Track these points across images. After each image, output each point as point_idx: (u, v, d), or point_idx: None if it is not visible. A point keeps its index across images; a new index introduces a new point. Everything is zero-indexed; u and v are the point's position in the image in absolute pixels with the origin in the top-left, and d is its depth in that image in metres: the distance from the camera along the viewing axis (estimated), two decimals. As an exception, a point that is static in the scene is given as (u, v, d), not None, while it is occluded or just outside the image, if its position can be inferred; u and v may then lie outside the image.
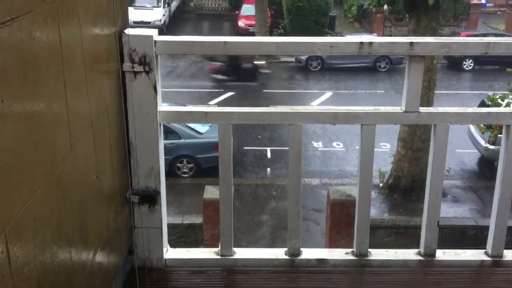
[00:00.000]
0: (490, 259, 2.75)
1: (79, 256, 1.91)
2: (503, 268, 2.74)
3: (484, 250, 2.79)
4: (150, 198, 2.57)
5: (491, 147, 11.18)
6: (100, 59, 2.17)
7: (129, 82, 2.40)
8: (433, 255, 2.74)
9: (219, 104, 15.84)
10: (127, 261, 2.58)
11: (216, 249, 2.76)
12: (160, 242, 2.65)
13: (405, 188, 11.59)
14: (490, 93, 12.13)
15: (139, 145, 2.49)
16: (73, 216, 1.86)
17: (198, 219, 9.46)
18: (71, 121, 1.77)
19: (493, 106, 10.32)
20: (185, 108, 2.86)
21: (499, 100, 10.59)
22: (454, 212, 10.89)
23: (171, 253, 2.74)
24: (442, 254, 2.77)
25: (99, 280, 2.14)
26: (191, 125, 12.18)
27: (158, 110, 2.48)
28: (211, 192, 8.68)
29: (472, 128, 12.72)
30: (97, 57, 2.12)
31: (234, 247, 2.75)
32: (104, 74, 2.24)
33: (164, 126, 2.63)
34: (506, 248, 2.77)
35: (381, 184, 11.83)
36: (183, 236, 9.25)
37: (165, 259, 2.69)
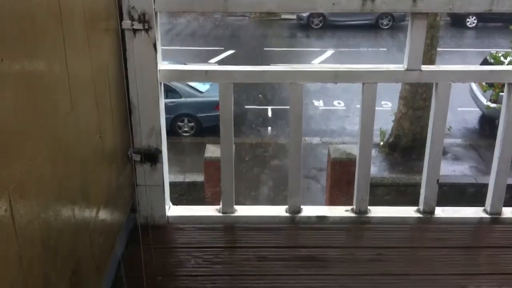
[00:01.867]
0: (489, 216, 2.78)
1: (82, 214, 1.94)
2: (502, 225, 2.77)
3: (483, 208, 2.82)
4: (151, 157, 2.58)
5: (492, 105, 11.15)
6: (99, 18, 2.15)
7: (129, 40, 2.38)
8: (432, 212, 2.78)
9: (220, 62, 15.72)
10: (130, 219, 2.62)
11: (217, 207, 2.79)
12: (162, 199, 2.68)
13: (406, 146, 11.61)
14: (493, 51, 12.01)
15: (139, 104, 2.49)
16: (76, 175, 1.87)
17: (199, 178, 9.52)
18: (71, 81, 1.77)
19: (495, 64, 10.24)
20: (185, 66, 2.85)
21: (502, 58, 10.50)
22: (454, 170, 10.94)
23: (173, 211, 2.78)
24: (441, 212, 2.80)
25: (103, 237, 2.17)
26: (192, 84, 12.13)
27: (158, 68, 2.47)
28: (212, 151, 8.71)
29: (474, 86, 12.65)
30: (96, 16, 2.09)
31: (235, 205, 2.79)
32: (103, 32, 2.22)
33: (164, 84, 2.62)
34: (504, 206, 2.80)
35: (381, 143, 11.86)
36: (185, 194, 9.33)
37: (167, 216, 2.73)
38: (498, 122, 2.69)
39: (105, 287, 2.19)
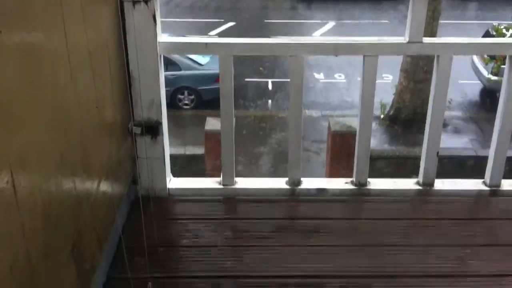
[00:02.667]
0: (488, 188, 2.80)
1: (83, 185, 1.95)
2: (501, 197, 2.79)
3: (482, 180, 2.83)
4: (152, 129, 2.59)
5: (493, 78, 11.11)
6: (97, -12, 2.13)
7: (128, 12, 2.36)
8: (432, 184, 2.79)
9: (220, 34, 15.61)
10: (131, 191, 2.63)
11: (218, 179, 2.80)
12: (163, 172, 2.70)
13: (406, 119, 11.60)
14: (495, 23, 11.91)
15: (139, 77, 2.48)
16: (76, 148, 1.88)
17: (200, 150, 9.54)
18: (70, 53, 1.76)
19: (497, 37, 10.17)
20: (185, 39, 2.84)
21: (504, 31, 10.42)
22: (454, 142, 10.95)
23: (174, 183, 2.79)
24: (441, 184, 2.82)
25: (104, 208, 2.19)
26: (192, 56, 12.06)
27: (158, 41, 2.45)
28: (212, 123, 8.71)
29: (476, 58, 12.57)
30: (94, -14, 2.07)
31: (235, 177, 2.80)
32: (102, 4, 2.20)
33: (164, 57, 2.61)
34: (504, 178, 2.82)
35: (382, 116, 11.85)
36: (185, 166, 9.36)
37: (168, 188, 2.75)
38: (499, 95, 2.69)
39: (107, 258, 2.21)
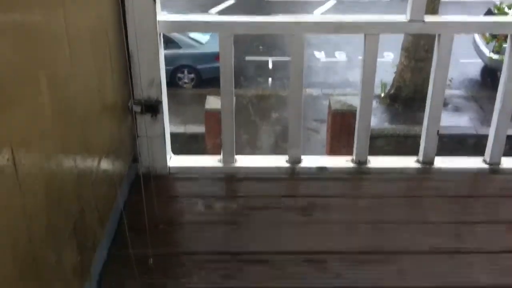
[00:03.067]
0: (488, 166, 2.81)
1: (84, 164, 1.96)
2: (500, 175, 2.80)
3: (483, 158, 2.84)
4: (152, 108, 2.59)
5: (495, 56, 11.06)
6: (96, -35, 2.11)
7: (127, -11, 2.35)
8: (432, 162, 2.80)
9: (220, 12, 15.49)
10: (132, 169, 2.65)
11: (218, 157, 2.81)
12: (163, 150, 2.71)
13: (407, 98, 11.58)
14: (497, 1, 11.81)
15: (139, 55, 2.48)
16: (77, 126, 1.88)
17: (200, 129, 9.54)
18: (69, 32, 1.75)
19: (499, 15, 10.10)
20: (185, 17, 2.81)
21: (506, 9, 10.34)
22: (455, 121, 10.94)
23: (174, 161, 2.80)
24: (441, 162, 2.83)
25: (105, 187, 2.20)
26: (192, 34, 11.99)
27: (157, 19, 2.44)
28: (212, 102, 8.69)
29: (477, 37, 12.50)
30: (93, -37, 2.05)
31: (235, 155, 2.81)
32: (101, -19, 2.18)
33: (164, 35, 2.59)
34: (504, 156, 2.83)
35: (382, 94, 11.82)
36: (186, 144, 9.37)
37: (169, 166, 2.76)
38: (500, 74, 2.68)
39: (108, 235, 2.23)
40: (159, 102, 2.59)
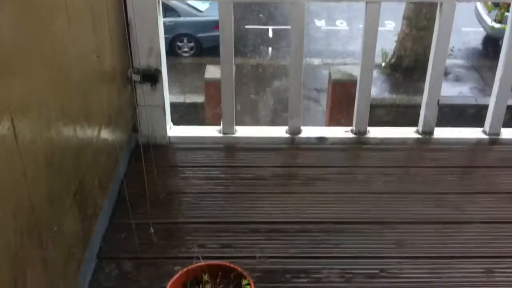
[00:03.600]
0: (487, 137, 2.81)
1: (84, 133, 1.96)
2: (499, 146, 2.81)
3: (482, 129, 2.84)
4: (151, 77, 2.58)
5: (497, 25, 10.96)
6: None
7: (125, -44, 2.31)
8: (431, 133, 2.80)
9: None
10: (132, 139, 2.65)
11: (218, 127, 2.81)
12: (163, 119, 2.70)
13: (408, 67, 11.51)
14: (501, -32, 11.64)
15: (138, 24, 2.46)
16: (77, 95, 1.88)
17: (200, 98, 9.51)
18: (68, 1, 1.73)
19: (502, -17, 9.96)
20: (184, -16, 2.78)
21: (509, -23, 10.18)
22: (455, 91, 10.90)
23: (174, 131, 2.80)
24: (440, 132, 2.83)
25: (105, 156, 2.21)
26: (191, 2, 11.85)
27: (156, -14, 2.41)
28: (212, 71, 8.64)
29: (479, 6, 12.37)
30: None
31: (235, 125, 2.81)
32: None
33: (162, 3, 2.56)
34: (503, 127, 2.83)
35: (383, 64, 11.75)
36: (185, 114, 9.35)
37: (169, 136, 2.76)
38: (502, 43, 2.66)
39: (109, 203, 2.25)
40: (158, 72, 2.58)
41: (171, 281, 1.64)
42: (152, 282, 1.93)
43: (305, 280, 1.97)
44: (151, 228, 2.15)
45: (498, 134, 2.81)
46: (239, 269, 1.67)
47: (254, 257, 2.04)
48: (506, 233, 2.22)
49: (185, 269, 1.67)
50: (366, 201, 2.40)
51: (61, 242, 1.69)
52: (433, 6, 2.64)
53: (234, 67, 2.70)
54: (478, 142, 2.83)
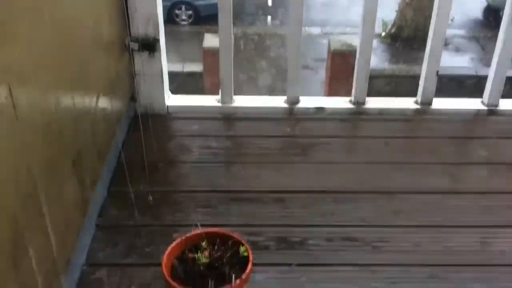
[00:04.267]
0: (486, 108, 2.81)
1: (82, 102, 1.95)
2: (498, 117, 2.81)
3: (481, 99, 2.84)
4: (149, 45, 2.56)
5: (498, -5, 10.86)
6: None
7: None
8: (430, 103, 2.80)
9: None
10: (130, 108, 2.64)
11: (216, 97, 2.81)
12: (161, 88, 2.69)
13: (408, 37, 11.44)
14: None
15: (136, -10, 2.43)
16: (74, 63, 1.87)
17: (198, 67, 9.46)
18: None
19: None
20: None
21: None
22: (455, 61, 10.84)
23: (172, 100, 2.79)
24: (439, 103, 2.83)
25: (103, 124, 2.21)
26: (189, -31, 11.70)
27: (154, -48, 2.38)
28: (210, 40, 8.58)
29: (482, -25, 12.23)
30: None
31: (234, 95, 2.80)
32: None
33: (160, -30, 2.53)
34: (502, 98, 2.83)
35: (383, 33, 11.67)
36: (183, 83, 9.31)
37: (167, 105, 2.76)
38: (503, 13, 2.64)
39: (107, 173, 2.26)
40: (156, 40, 2.56)
41: (169, 248, 1.66)
42: (151, 249, 1.95)
43: (302, 248, 1.99)
44: (150, 196, 2.16)
45: (497, 105, 2.81)
46: (237, 236, 1.68)
47: (251, 225, 2.06)
48: (502, 203, 2.24)
49: (183, 237, 1.68)
50: (363, 171, 2.41)
51: (60, 209, 1.71)
52: (435, -26, 2.60)
53: (232, 36, 2.68)
54: (477, 113, 2.83)
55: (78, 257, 1.86)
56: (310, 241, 2.02)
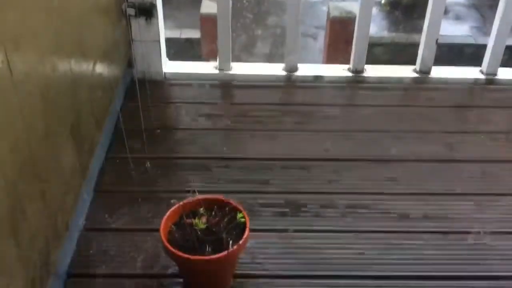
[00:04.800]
0: (484, 77, 2.80)
1: (80, 67, 1.94)
2: (496, 86, 2.81)
3: (480, 68, 2.83)
4: (146, 11, 2.53)
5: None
6: None
7: None
8: (428, 72, 2.79)
9: None
10: (127, 74, 2.63)
11: (214, 64, 2.79)
12: (158, 55, 2.68)
13: (408, 5, 11.30)
14: None
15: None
16: (71, 28, 1.85)
17: (195, 34, 9.36)
18: None
19: None
20: None
21: None
22: (455, 30, 10.76)
23: (170, 67, 2.78)
24: (437, 71, 2.82)
25: (101, 90, 2.20)
26: None
27: None
28: (208, 6, 8.47)
29: None
30: None
31: (232, 62, 2.79)
32: None
33: None
34: (501, 67, 2.82)
35: (383, 1, 11.54)
36: (181, 50, 9.24)
37: (164, 72, 2.74)
38: (504, -20, 2.61)
39: (105, 138, 2.26)
40: (153, 5, 2.54)
41: (167, 213, 1.67)
42: (149, 214, 1.97)
43: (299, 214, 2.01)
44: (148, 162, 2.17)
45: (495, 74, 2.80)
46: (234, 203, 1.70)
47: (248, 192, 2.08)
48: (498, 172, 2.25)
49: (181, 202, 1.69)
50: (361, 139, 2.42)
51: (59, 176, 1.71)
52: None
53: (230, 2, 2.65)
54: (475, 82, 2.83)
55: (77, 222, 1.88)
56: (307, 208, 2.03)
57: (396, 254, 1.87)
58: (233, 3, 2.75)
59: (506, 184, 2.19)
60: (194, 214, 1.66)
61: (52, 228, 1.64)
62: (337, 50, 8.61)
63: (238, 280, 1.74)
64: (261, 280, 1.75)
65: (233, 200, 1.71)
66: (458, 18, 11.28)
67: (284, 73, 2.79)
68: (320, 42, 10.20)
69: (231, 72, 2.78)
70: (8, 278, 1.33)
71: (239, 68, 2.81)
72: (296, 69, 2.79)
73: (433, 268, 1.82)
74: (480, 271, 1.82)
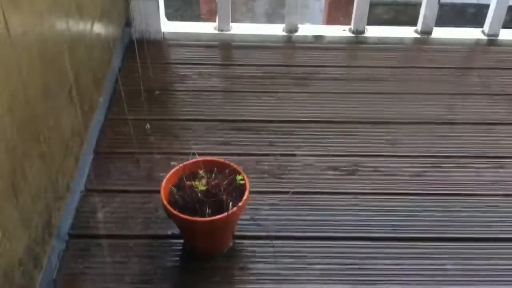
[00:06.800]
0: (486, 37, 2.78)
1: (77, 27, 1.91)
2: (497, 47, 2.79)
3: (481, 29, 2.80)
4: (144, -31, 2.49)
5: None
6: None
7: None
8: (430, 32, 2.77)
9: None
10: (126, 34, 2.60)
11: (214, 24, 2.76)
12: (157, 14, 2.64)
13: (409, -36, 11.13)
14: None
15: None
16: (67, -13, 1.81)
17: (194, -6, 9.23)
18: None
19: None
20: None
21: None
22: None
23: (168, 27, 2.75)
24: (439, 32, 2.79)
25: (99, 50, 2.18)
26: None
27: None
28: (207, -36, 8.33)
29: None
30: None
31: (231, 22, 2.75)
32: None
33: None
34: (503, 28, 2.79)
35: (384, -40, 11.33)
36: (179, 9, 9.12)
37: (163, 32, 2.71)
38: None
39: (104, 99, 2.25)
40: (151, -37, 2.49)
41: (168, 175, 1.67)
42: (150, 176, 1.98)
43: (300, 177, 2.02)
44: (147, 124, 2.16)
45: (497, 35, 2.78)
46: (233, 165, 1.70)
47: (249, 154, 2.08)
48: (498, 134, 2.25)
49: (181, 164, 1.70)
50: (360, 101, 2.41)
51: (59, 137, 1.71)
52: None
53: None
54: (477, 43, 2.80)
55: (77, 183, 1.88)
56: (307, 170, 2.04)
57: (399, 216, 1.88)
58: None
59: (507, 147, 2.19)
60: (194, 176, 1.67)
61: (53, 189, 1.65)
62: (337, 10, 8.51)
63: (238, 241, 1.76)
64: (260, 241, 1.77)
65: (232, 162, 1.71)
66: (460, -23, 11.10)
67: (284, 33, 2.76)
68: (320, 2, 10.08)
69: (230, 32, 2.75)
70: (10, 240, 1.34)
71: (239, 28, 2.78)
72: (296, 29, 2.76)
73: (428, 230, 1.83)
74: (484, 233, 1.83)
